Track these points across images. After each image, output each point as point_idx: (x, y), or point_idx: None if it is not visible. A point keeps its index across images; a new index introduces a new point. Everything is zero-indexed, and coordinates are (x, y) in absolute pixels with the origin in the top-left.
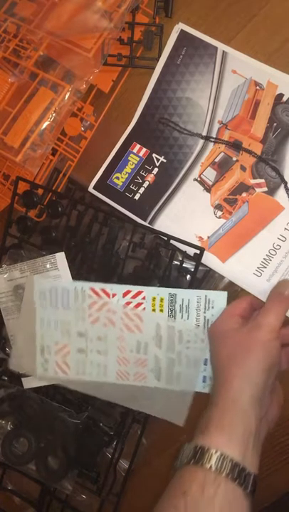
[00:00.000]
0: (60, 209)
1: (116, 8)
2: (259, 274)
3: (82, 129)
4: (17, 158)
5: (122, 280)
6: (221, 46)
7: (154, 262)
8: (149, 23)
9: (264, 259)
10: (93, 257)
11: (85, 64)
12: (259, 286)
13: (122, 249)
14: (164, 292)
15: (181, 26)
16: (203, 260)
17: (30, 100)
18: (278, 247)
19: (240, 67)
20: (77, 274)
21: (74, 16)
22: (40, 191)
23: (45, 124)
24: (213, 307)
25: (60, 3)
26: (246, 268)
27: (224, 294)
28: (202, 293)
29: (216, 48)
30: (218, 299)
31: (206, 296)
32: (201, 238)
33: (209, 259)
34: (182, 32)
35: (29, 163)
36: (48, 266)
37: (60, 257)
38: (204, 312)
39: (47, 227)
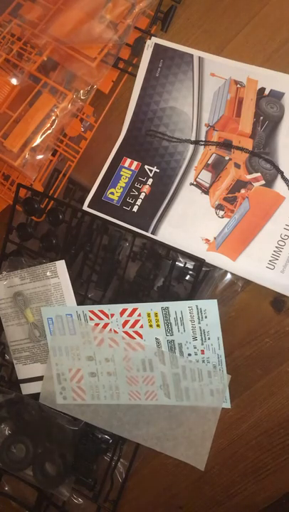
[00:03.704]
0: (60, 217)
1: (122, 19)
2: (272, 267)
3: (82, 129)
4: (16, 163)
5: (122, 288)
6: (196, 53)
7: (154, 272)
8: (144, 30)
9: (274, 251)
10: (93, 265)
11: (88, 72)
12: (274, 279)
13: (123, 258)
14: (156, 307)
15: (154, 40)
16: (213, 262)
17: (32, 104)
18: (286, 237)
19: (217, 69)
20: (77, 283)
21: (79, 24)
22: (40, 189)
23: (45, 130)
24: (206, 317)
25: (66, 10)
26: (258, 263)
27: (214, 302)
28: (193, 303)
29: (191, 56)
30: (210, 307)
31: (196, 306)
32: (207, 240)
33: (219, 260)
34: (156, 45)
35: (28, 168)
36: (48, 273)
37: (60, 265)
38: (199, 323)
39: (47, 235)
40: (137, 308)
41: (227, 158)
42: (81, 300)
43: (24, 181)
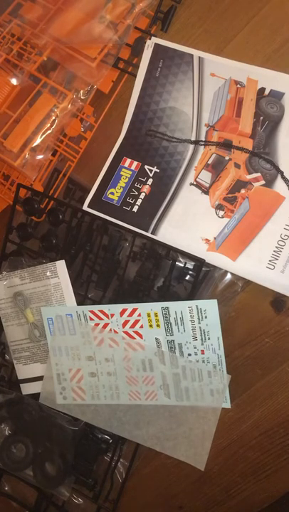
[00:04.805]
0: (60, 217)
1: (122, 19)
2: (272, 267)
3: (82, 129)
4: (16, 163)
5: (122, 288)
6: (196, 53)
7: (154, 272)
8: (144, 30)
9: (274, 251)
10: (93, 265)
11: (88, 72)
12: (274, 280)
13: (123, 258)
14: (156, 307)
15: (154, 40)
16: (213, 262)
17: (32, 104)
18: (286, 237)
19: (217, 69)
20: (77, 283)
21: (79, 24)
22: (40, 189)
23: (45, 130)
24: (206, 317)
25: (66, 10)
26: (258, 263)
27: (214, 302)
28: (193, 303)
29: (191, 56)
30: (210, 307)
31: (196, 306)
32: (207, 240)
33: (219, 260)
34: (156, 45)
35: (28, 168)
36: (48, 274)
37: (60, 265)
38: (199, 323)
39: (47, 235)
40: (137, 308)
41: (227, 158)
42: (81, 300)
43: (24, 181)
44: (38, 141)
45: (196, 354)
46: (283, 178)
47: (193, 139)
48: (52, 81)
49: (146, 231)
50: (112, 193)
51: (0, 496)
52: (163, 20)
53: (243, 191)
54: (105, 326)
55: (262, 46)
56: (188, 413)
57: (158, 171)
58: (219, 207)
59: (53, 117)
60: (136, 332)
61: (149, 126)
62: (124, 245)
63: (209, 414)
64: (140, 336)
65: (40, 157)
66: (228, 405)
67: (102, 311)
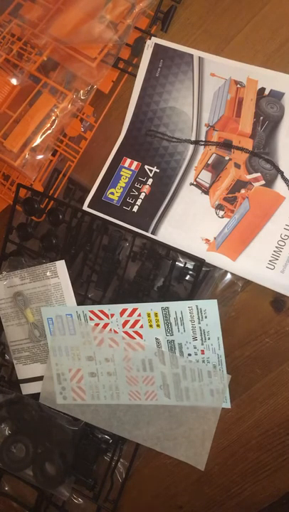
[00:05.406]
0: (60, 217)
1: (122, 19)
2: (272, 267)
3: (82, 129)
4: (16, 163)
5: (122, 288)
6: (196, 53)
7: (154, 272)
8: (144, 30)
9: (274, 251)
10: (93, 265)
11: (88, 72)
12: (274, 279)
13: (123, 258)
14: (156, 307)
15: (154, 40)
16: (213, 262)
17: (32, 104)
18: (286, 237)
19: (217, 69)
20: (77, 283)
21: (79, 24)
22: (40, 189)
23: (45, 130)
24: (206, 317)
25: (66, 10)
26: (258, 263)
27: (214, 302)
28: (193, 303)
29: (191, 56)
30: (210, 307)
31: (196, 306)
32: (207, 240)
33: (219, 260)
34: (156, 45)
35: (28, 168)
36: (48, 274)
37: (61, 265)
38: (199, 323)
39: (47, 235)
40: (137, 308)
41: (227, 158)
42: (81, 300)
43: (24, 181)
44: (38, 141)
45: (196, 354)
46: (283, 178)
47: (193, 139)
48: (52, 81)
49: (146, 231)
50: (112, 193)
51: (0, 496)
52: (163, 20)
53: (243, 191)
54: (105, 326)
55: (262, 46)
56: (188, 413)
57: (158, 171)
58: (219, 207)
59: (53, 117)
60: (136, 332)
61: (149, 126)
62: (124, 245)
63: (209, 414)
64: (140, 336)
65: (40, 157)
66: (228, 405)
67: (102, 311)
